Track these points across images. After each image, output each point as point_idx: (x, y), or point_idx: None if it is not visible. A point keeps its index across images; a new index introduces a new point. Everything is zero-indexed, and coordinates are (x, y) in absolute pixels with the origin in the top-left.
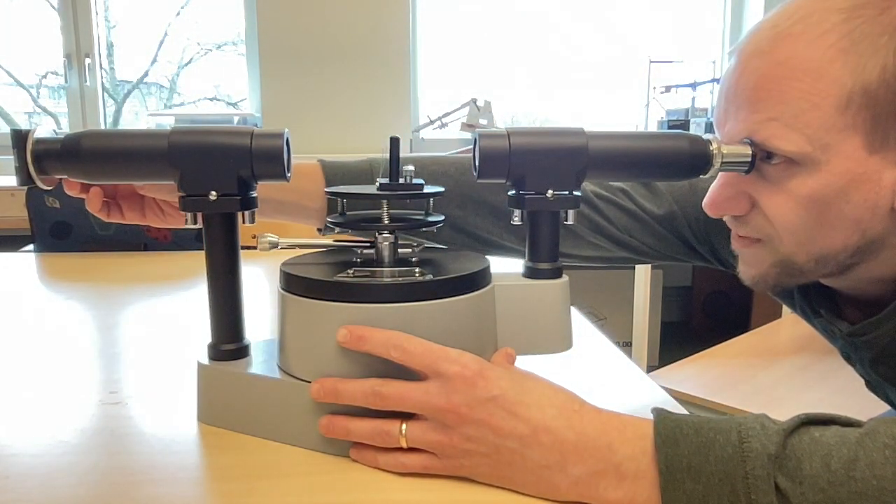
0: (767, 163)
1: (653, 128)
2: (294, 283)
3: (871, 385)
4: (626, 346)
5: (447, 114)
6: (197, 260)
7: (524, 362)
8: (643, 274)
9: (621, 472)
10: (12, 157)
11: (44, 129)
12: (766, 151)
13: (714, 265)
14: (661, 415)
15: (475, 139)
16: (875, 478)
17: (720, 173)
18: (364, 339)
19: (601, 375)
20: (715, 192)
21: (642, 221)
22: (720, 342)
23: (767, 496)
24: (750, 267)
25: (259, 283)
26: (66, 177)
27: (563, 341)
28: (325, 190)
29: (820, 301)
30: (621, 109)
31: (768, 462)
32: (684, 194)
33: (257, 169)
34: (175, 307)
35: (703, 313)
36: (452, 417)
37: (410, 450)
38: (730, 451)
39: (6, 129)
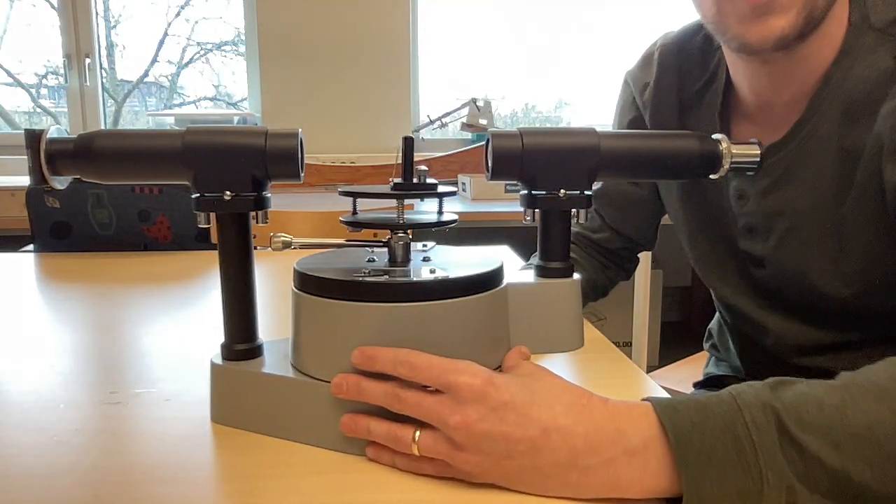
0: None
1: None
2: (309, 283)
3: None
4: (626, 346)
5: (447, 114)
6: (197, 260)
7: (534, 362)
8: (643, 274)
9: (632, 450)
10: (12, 156)
11: (57, 129)
12: None
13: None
14: (652, 397)
15: (487, 139)
16: (865, 415)
17: None
18: (374, 359)
19: (601, 375)
20: None
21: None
22: None
23: (768, 435)
24: (779, 16)
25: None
26: (78, 176)
27: (574, 339)
28: (339, 190)
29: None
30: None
31: (763, 407)
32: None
33: (271, 169)
34: (175, 307)
35: (704, 313)
36: (463, 434)
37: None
38: (724, 407)
39: (6, 130)
